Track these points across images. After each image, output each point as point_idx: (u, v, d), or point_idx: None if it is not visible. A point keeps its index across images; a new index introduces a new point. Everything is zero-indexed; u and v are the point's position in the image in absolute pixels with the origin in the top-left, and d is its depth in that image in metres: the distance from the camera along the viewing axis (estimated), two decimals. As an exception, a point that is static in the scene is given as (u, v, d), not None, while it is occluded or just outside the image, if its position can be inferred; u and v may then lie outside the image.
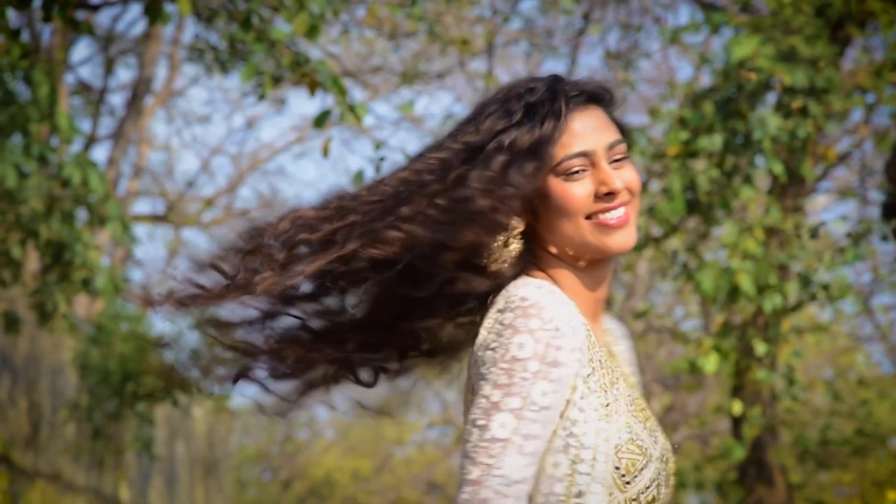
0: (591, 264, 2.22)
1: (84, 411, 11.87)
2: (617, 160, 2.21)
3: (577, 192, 2.19)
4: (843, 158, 11.57)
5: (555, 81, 2.24)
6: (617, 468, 2.09)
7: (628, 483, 2.10)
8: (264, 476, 25.19)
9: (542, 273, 2.22)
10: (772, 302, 7.41)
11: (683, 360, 7.75)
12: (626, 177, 2.21)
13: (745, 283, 7.32)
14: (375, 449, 24.46)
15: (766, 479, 9.91)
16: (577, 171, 2.19)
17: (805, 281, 7.86)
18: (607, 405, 2.12)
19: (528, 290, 2.11)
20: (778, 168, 7.51)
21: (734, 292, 7.55)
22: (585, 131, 2.20)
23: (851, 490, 14.81)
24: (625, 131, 2.25)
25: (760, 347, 7.96)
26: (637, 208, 2.23)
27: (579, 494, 2.08)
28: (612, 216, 2.19)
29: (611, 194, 2.18)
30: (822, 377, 14.56)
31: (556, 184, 2.19)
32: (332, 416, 26.47)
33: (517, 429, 2.04)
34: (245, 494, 23.39)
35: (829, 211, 13.22)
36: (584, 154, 2.20)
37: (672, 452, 2.21)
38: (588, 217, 2.19)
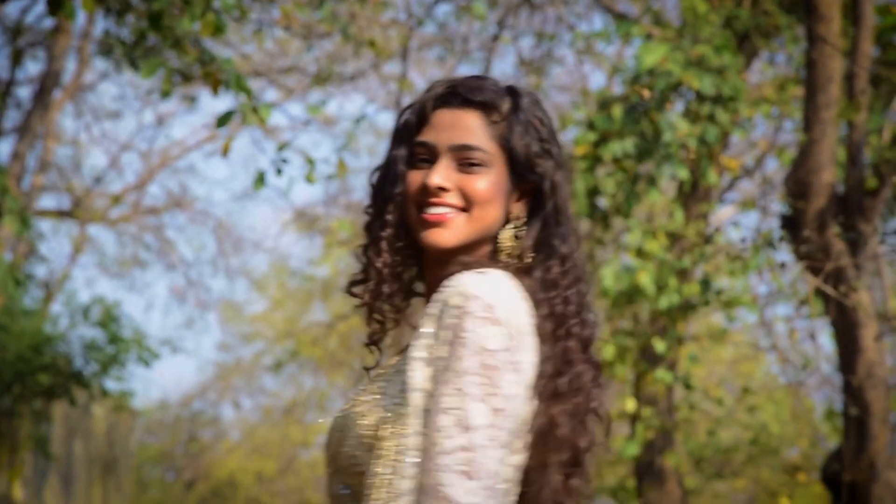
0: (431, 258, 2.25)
1: (-23, 408, 11.69)
2: (470, 165, 2.20)
3: (412, 180, 2.22)
4: (749, 172, 11.72)
5: (441, 83, 2.26)
6: None
7: None
8: (167, 476, 24.95)
9: None
10: (669, 300, 7.48)
11: None
12: (467, 183, 2.20)
13: (645, 280, 7.39)
14: (280, 450, 24.34)
15: (661, 484, 10.02)
16: (419, 161, 2.22)
17: (705, 285, 7.95)
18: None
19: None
20: (684, 173, 7.60)
21: (634, 291, 7.63)
22: (439, 126, 2.21)
23: (745, 498, 15.02)
24: (512, 149, 2.22)
25: (659, 345, 8.03)
26: (478, 220, 2.21)
27: None
28: (429, 211, 2.20)
29: (426, 189, 2.19)
30: (724, 386, 14.73)
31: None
32: (237, 417, 26.34)
33: None
34: (146, 495, 23.16)
35: (733, 221, 13.38)
36: (424, 144, 2.22)
37: (329, 433, 2.19)
38: (418, 208, 2.21)
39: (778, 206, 10.43)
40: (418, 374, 2.08)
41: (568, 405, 2.15)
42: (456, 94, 2.24)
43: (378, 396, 2.15)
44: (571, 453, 2.17)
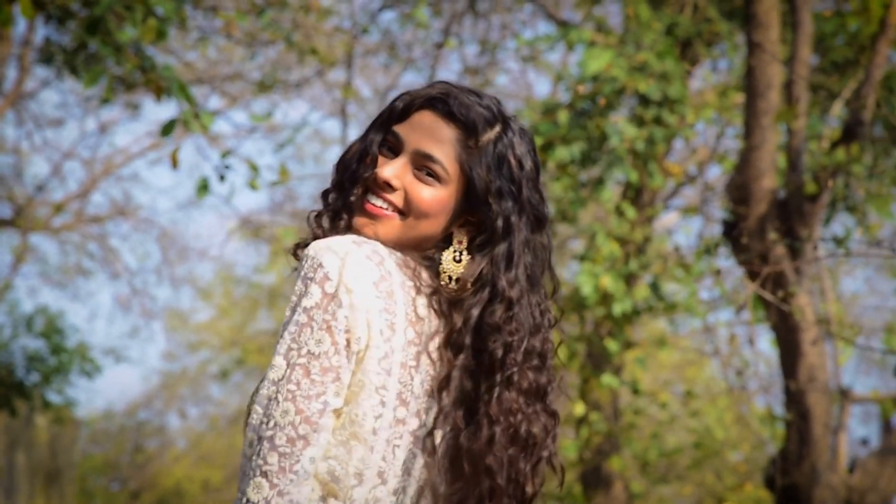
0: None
1: (-81, 419, 11.55)
2: (425, 173, 2.22)
3: (368, 160, 2.25)
4: (691, 178, 11.81)
5: (440, 86, 2.28)
6: None
7: None
8: (112, 486, 24.74)
9: None
10: (622, 306, 7.52)
11: None
12: (416, 189, 2.22)
13: (610, 285, 7.41)
14: (227, 459, 24.21)
15: (607, 489, 10.05)
16: (386, 148, 2.25)
17: (655, 289, 7.99)
18: None
19: None
20: (633, 175, 7.63)
21: (586, 296, 7.65)
22: (416, 125, 2.23)
23: (690, 502, 15.11)
24: (471, 178, 2.22)
25: (613, 346, 8.06)
26: (411, 227, 2.23)
27: None
28: (372, 200, 2.23)
29: (375, 178, 2.22)
30: (669, 390, 14.82)
31: None
32: (184, 426, 26.17)
33: None
34: (91, 505, 22.97)
35: (678, 227, 13.48)
36: (395, 136, 2.25)
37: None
38: (362, 190, 2.23)
39: (720, 212, 10.52)
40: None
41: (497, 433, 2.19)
42: (445, 103, 2.24)
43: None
44: (489, 481, 2.18)
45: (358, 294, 2.10)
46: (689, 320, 11.05)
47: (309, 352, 2.07)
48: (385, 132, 2.26)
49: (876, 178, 8.01)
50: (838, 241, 7.71)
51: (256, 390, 2.13)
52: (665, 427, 11.22)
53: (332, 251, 2.12)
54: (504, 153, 2.24)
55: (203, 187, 7.00)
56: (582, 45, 8.94)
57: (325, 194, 2.29)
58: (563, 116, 7.80)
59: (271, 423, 2.04)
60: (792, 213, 7.92)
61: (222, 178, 7.00)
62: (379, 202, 2.22)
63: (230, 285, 24.05)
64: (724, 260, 9.54)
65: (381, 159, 2.24)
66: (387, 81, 16.78)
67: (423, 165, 2.22)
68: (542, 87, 26.54)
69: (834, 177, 7.76)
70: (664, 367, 17.06)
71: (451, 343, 2.19)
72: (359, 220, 2.22)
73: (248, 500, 2.02)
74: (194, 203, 22.66)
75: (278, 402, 2.05)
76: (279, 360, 2.07)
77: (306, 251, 2.13)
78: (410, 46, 14.46)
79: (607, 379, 8.20)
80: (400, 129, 2.25)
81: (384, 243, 2.21)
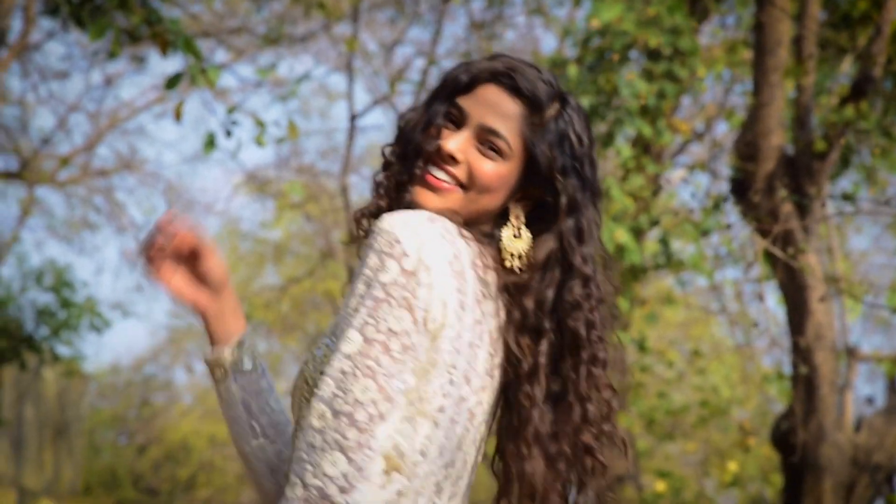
0: None
1: (-75, 372, 11.59)
2: (488, 148, 2.20)
3: (432, 132, 2.22)
4: (699, 135, 11.77)
5: (503, 59, 2.25)
6: None
7: None
8: (119, 440, 24.87)
9: None
10: (632, 258, 7.48)
11: None
12: (479, 163, 2.20)
13: (625, 238, 7.37)
14: (233, 414, 24.30)
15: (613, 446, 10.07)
16: (448, 120, 2.22)
17: (664, 244, 7.95)
18: None
19: None
20: (646, 129, 7.57)
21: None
22: (481, 99, 2.22)
23: (696, 459, 15.16)
24: (535, 154, 2.21)
25: (623, 304, 8.04)
26: (472, 201, 2.21)
27: None
28: (434, 172, 2.20)
29: (439, 151, 2.19)
30: (675, 348, 14.83)
31: None
32: (190, 381, 26.26)
33: None
34: (99, 459, 23.07)
35: (686, 184, 13.44)
36: (460, 109, 2.22)
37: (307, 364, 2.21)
38: (424, 161, 2.21)
39: (727, 169, 10.48)
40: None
41: (587, 435, 2.20)
42: (511, 78, 2.22)
43: (323, 341, 2.19)
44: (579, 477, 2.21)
45: (435, 272, 2.07)
46: (694, 278, 11.05)
47: (389, 329, 2.04)
48: (448, 104, 2.24)
49: (885, 135, 7.97)
50: (847, 197, 7.68)
51: (313, 358, 2.13)
52: (672, 385, 11.24)
53: (410, 227, 2.08)
54: (565, 129, 2.23)
55: (210, 143, 6.97)
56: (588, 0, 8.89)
57: (386, 164, 2.26)
58: (572, 70, 7.74)
59: (350, 399, 2.01)
60: (800, 171, 7.89)
61: (229, 133, 6.97)
62: (441, 174, 2.20)
63: (236, 240, 24.05)
64: (731, 217, 9.52)
65: (444, 132, 2.22)
66: (392, 35, 16.72)
67: (487, 140, 2.20)
68: (548, 42, 26.43)
69: (843, 134, 7.72)
70: (670, 325, 17.06)
71: (528, 327, 2.19)
72: (421, 192, 2.19)
73: (324, 474, 1.99)
74: (200, 157, 22.63)
75: (356, 378, 2.01)
76: (354, 335, 2.03)
77: (380, 224, 2.09)
78: (416, 1, 14.40)
79: (620, 334, 8.16)
80: (464, 102, 2.22)
81: (444, 217, 2.19)
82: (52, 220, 19.58)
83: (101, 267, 27.45)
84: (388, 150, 2.29)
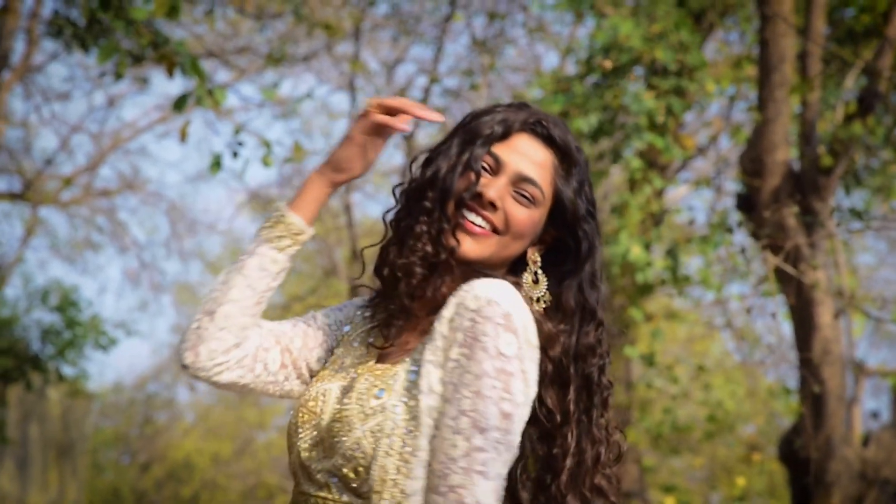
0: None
1: (-68, 392, 11.58)
2: (523, 195, 2.25)
3: (471, 178, 2.24)
4: (702, 151, 11.79)
5: (529, 110, 2.31)
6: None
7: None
8: (122, 459, 24.83)
9: None
10: (644, 275, 7.49)
11: None
12: (514, 210, 2.24)
13: (639, 254, 7.37)
14: (236, 432, 24.28)
15: (620, 461, 10.06)
16: (482, 167, 2.25)
17: (674, 258, 7.96)
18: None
19: None
20: (658, 141, 7.58)
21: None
22: (516, 148, 2.27)
23: (702, 475, 15.13)
24: (562, 200, 2.27)
25: (637, 315, 8.03)
26: (505, 247, 2.25)
27: None
28: (472, 219, 2.24)
29: (479, 196, 2.22)
30: (680, 364, 14.82)
31: None
32: (193, 399, 26.24)
33: None
34: (102, 478, 23.04)
35: (688, 200, 13.46)
36: (496, 158, 2.26)
37: (320, 414, 2.21)
38: (457, 206, 2.23)
39: (732, 184, 10.50)
40: (432, 377, 2.13)
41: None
42: (545, 128, 2.28)
43: (382, 391, 2.17)
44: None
45: (535, 348, 2.17)
46: (698, 293, 11.06)
47: (515, 402, 2.10)
48: (486, 152, 2.27)
49: (894, 150, 7.99)
50: (856, 213, 7.69)
51: (383, 411, 2.15)
52: (677, 401, 11.23)
53: (513, 298, 2.14)
54: (583, 177, 2.30)
55: (216, 163, 7.00)
56: (592, 17, 8.91)
57: (421, 210, 2.26)
58: (578, 88, 7.76)
59: (483, 462, 2.07)
60: (806, 186, 7.90)
61: (235, 154, 6.99)
62: (479, 220, 2.24)
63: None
64: (737, 233, 9.53)
65: (481, 179, 2.26)
66: (394, 54, 16.75)
67: (522, 188, 2.25)
68: (550, 59, 26.47)
69: (850, 150, 7.74)
70: (674, 341, 17.05)
71: (558, 378, 2.24)
72: (462, 239, 2.23)
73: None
74: (203, 177, 22.65)
75: (486, 451, 2.08)
76: (491, 408, 2.09)
77: (477, 291, 2.13)
78: (418, 19, 14.42)
79: (629, 350, 8.18)
80: (500, 150, 2.26)
81: (475, 262, 2.24)
82: (56, 240, 19.60)
83: (104, 287, 27.43)
84: (402, 190, 2.31)
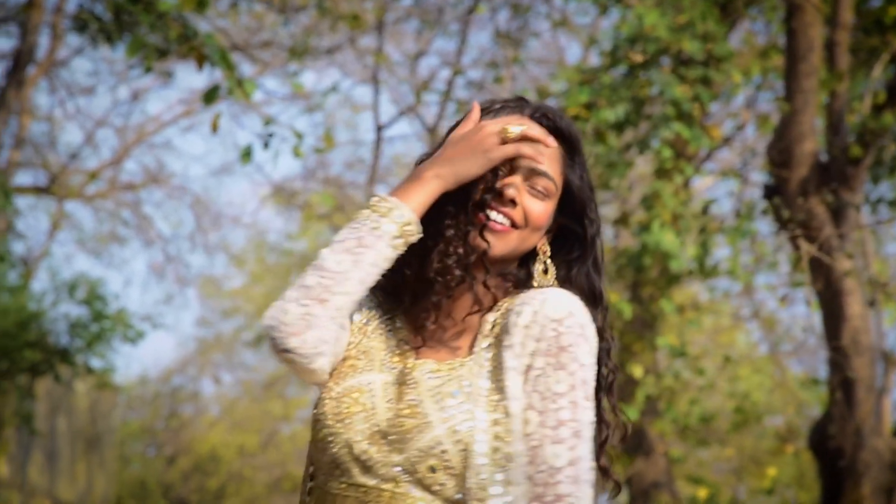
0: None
1: (-38, 385, 11.65)
2: (536, 191, 2.27)
3: (488, 177, 2.25)
4: (726, 140, 11.77)
5: (530, 104, 2.33)
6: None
7: None
8: (148, 452, 24.92)
9: None
10: (677, 264, 7.48)
11: None
12: (531, 204, 2.26)
13: (672, 242, 7.35)
14: (261, 425, 24.35)
15: (647, 452, 10.06)
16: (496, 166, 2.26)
17: (704, 248, 7.94)
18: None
19: None
20: (686, 132, 7.56)
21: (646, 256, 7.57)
22: (526, 144, 2.26)
23: (730, 466, 15.10)
24: (572, 190, 2.30)
25: (668, 306, 8.02)
26: (524, 241, 2.28)
27: None
28: (495, 218, 2.25)
29: (500, 196, 2.24)
30: (706, 356, 14.80)
31: None
32: (218, 392, 26.32)
33: None
34: (128, 470, 23.14)
35: (713, 191, 13.42)
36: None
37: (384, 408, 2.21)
38: (477, 206, 2.25)
39: (758, 175, 10.47)
40: (516, 384, 2.16)
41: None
42: (551, 120, 2.31)
43: (458, 391, 2.19)
44: None
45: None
46: (723, 285, 11.03)
47: (593, 408, 2.20)
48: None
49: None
50: (890, 203, 7.66)
51: (493, 426, 2.16)
52: (704, 392, 11.22)
53: (584, 309, 2.21)
54: (584, 164, 2.34)
55: (246, 154, 7.02)
56: (617, 8, 8.89)
57: (445, 214, 2.27)
58: (606, 79, 7.76)
59: (585, 469, 2.15)
60: (835, 177, 7.88)
61: (266, 145, 7.02)
62: (499, 217, 2.26)
63: (263, 252, 24.12)
64: (764, 223, 9.51)
65: (497, 177, 2.28)
66: (417, 47, 16.76)
67: (536, 181, 2.27)
68: (573, 51, 26.43)
69: (879, 139, 7.71)
70: (699, 332, 17.03)
71: None
72: (489, 237, 2.25)
73: None
74: (227, 170, 22.71)
75: (586, 458, 2.15)
76: (585, 417, 2.17)
77: (556, 302, 2.19)
78: (441, 11, 14.43)
79: (663, 340, 8.16)
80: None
81: (501, 257, 2.27)
82: (82, 233, 19.68)
83: (130, 280, 27.52)
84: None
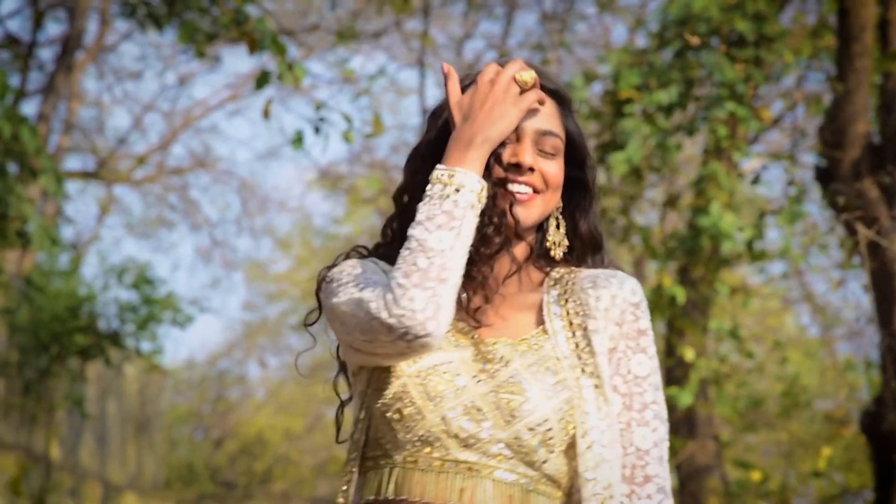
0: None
1: (14, 368, 11.75)
2: (546, 152, 2.28)
3: (499, 150, 2.26)
4: (775, 122, 11.67)
5: (512, 64, 2.29)
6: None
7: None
8: (196, 435, 25.10)
9: None
10: (732, 244, 7.42)
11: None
12: (546, 167, 2.28)
13: (732, 223, 7.29)
14: (306, 408, 24.45)
15: (698, 436, 10.02)
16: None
17: (758, 229, 7.88)
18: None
19: None
20: (741, 111, 7.50)
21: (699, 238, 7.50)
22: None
23: (779, 450, 15.03)
24: (574, 141, 2.33)
25: (724, 288, 7.97)
26: (548, 203, 2.29)
27: None
28: (517, 188, 2.26)
29: (518, 166, 2.25)
30: (754, 339, 14.73)
31: None
32: (264, 376, 26.44)
33: None
34: (176, 454, 23.31)
35: (762, 173, 13.30)
36: None
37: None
38: (498, 183, 2.26)
39: (808, 156, 10.40)
40: (606, 366, 2.22)
41: None
42: (542, 78, 2.31)
43: (552, 371, 2.20)
44: None
45: None
46: (773, 268, 10.96)
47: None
48: None
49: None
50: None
51: (600, 406, 2.20)
52: (752, 376, 11.16)
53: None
54: (572, 112, 2.36)
55: (298, 140, 7.04)
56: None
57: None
58: (657, 60, 7.71)
59: (666, 449, 2.25)
60: (887, 158, 7.80)
61: (317, 130, 7.02)
62: (522, 188, 2.27)
63: (308, 236, 24.19)
64: (814, 205, 9.43)
65: (508, 148, 2.28)
66: (463, 30, 16.73)
67: (545, 142, 2.29)
68: (619, 32, 26.31)
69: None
70: (747, 315, 16.95)
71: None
72: (519, 212, 2.27)
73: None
74: (273, 154, 22.78)
75: (666, 439, 2.25)
76: (663, 398, 2.27)
77: (630, 285, 2.27)
78: (487, -6, 14.40)
79: (716, 322, 8.13)
80: None
81: (532, 225, 2.30)
82: (130, 218, 19.82)
83: (177, 264, 27.69)
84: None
